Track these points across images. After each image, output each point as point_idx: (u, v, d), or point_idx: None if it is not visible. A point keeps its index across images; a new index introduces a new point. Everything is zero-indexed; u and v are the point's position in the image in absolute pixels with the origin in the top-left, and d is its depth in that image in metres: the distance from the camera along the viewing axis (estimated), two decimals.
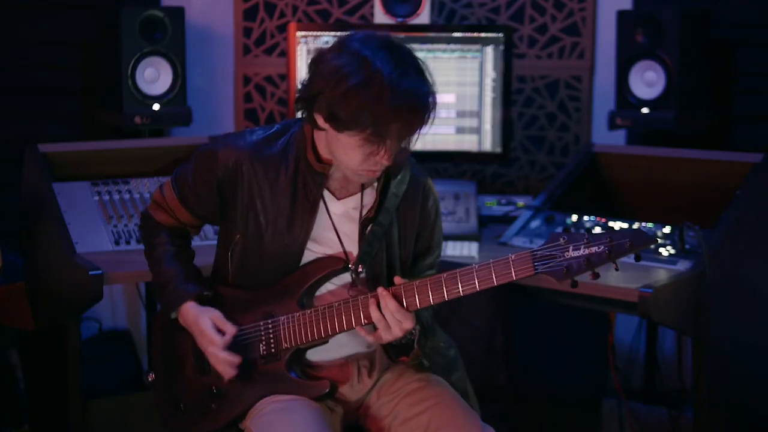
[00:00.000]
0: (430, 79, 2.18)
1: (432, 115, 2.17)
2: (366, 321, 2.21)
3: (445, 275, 2.16)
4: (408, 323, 2.18)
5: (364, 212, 2.30)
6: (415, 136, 2.18)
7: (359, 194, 2.31)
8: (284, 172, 2.27)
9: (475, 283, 2.14)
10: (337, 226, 2.29)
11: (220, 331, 2.30)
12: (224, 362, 2.28)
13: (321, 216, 2.29)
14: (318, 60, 2.18)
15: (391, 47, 2.15)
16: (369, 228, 2.29)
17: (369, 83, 2.08)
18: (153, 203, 2.45)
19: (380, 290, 2.18)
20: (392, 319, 2.17)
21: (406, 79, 2.11)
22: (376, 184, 2.31)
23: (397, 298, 2.18)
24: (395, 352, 2.30)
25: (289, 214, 2.27)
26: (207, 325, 2.30)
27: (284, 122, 2.36)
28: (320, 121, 2.18)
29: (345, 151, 2.17)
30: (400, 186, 2.32)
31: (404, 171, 2.33)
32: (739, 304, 2.89)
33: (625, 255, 2.05)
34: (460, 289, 2.15)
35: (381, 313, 2.17)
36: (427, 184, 2.38)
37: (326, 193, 2.29)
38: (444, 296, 2.16)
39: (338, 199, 2.31)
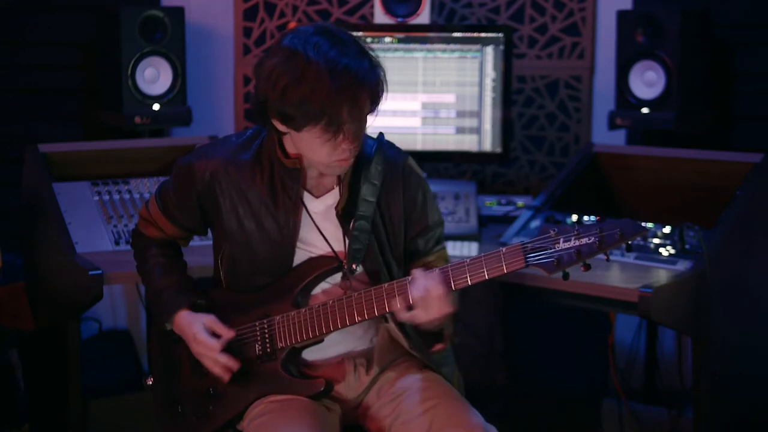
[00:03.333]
0: (373, 55, 2.15)
1: (383, 89, 2.15)
2: (375, 313, 2.21)
3: (436, 270, 2.16)
4: (446, 307, 2.14)
5: (340, 205, 2.28)
6: (373, 113, 2.17)
7: (336, 189, 2.30)
8: (260, 175, 2.27)
9: (467, 277, 2.13)
10: (320, 224, 2.29)
11: (216, 335, 2.30)
12: (222, 366, 2.28)
13: (304, 215, 2.29)
14: (257, 67, 2.18)
15: (324, 32, 2.13)
16: (352, 224, 2.28)
17: (304, 75, 2.08)
18: (141, 219, 2.47)
19: (415, 272, 2.16)
20: (434, 300, 2.13)
21: (344, 58, 2.09)
22: (346, 175, 2.28)
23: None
24: (426, 340, 2.28)
25: (274, 215, 2.27)
26: (200, 329, 2.30)
27: (257, 126, 2.35)
28: (279, 125, 2.18)
29: (310, 147, 2.17)
30: (375, 173, 2.29)
31: (376, 156, 2.30)
32: (739, 304, 2.89)
33: (616, 246, 2.04)
34: (453, 283, 2.14)
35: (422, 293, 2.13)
36: (407, 164, 2.34)
37: (305, 193, 2.29)
38: None
39: (316, 197, 2.30)
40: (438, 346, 2.29)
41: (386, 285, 2.20)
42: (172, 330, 2.38)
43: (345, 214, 2.27)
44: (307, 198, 2.29)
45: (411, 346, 2.34)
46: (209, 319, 2.31)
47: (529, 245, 2.09)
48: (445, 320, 2.22)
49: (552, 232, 2.07)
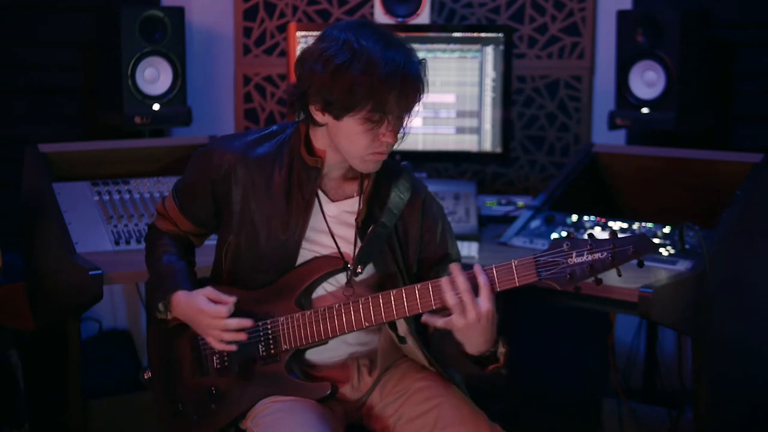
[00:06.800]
0: (414, 52, 2.20)
1: (426, 84, 2.18)
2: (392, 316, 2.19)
3: (445, 278, 2.15)
4: (486, 304, 2.07)
5: (360, 216, 2.29)
6: (415, 108, 2.18)
7: (355, 198, 2.31)
8: (279, 170, 2.27)
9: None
10: (331, 227, 2.29)
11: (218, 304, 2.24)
12: (234, 328, 2.22)
13: (315, 216, 2.29)
14: (301, 56, 2.21)
15: (370, 26, 2.18)
16: (371, 228, 2.28)
17: (356, 58, 2.11)
18: (157, 215, 2.47)
19: (453, 266, 2.11)
20: (469, 300, 2.07)
21: (391, 49, 2.13)
22: (365, 183, 2.30)
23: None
24: (481, 363, 2.22)
25: (284, 212, 2.27)
26: (203, 301, 2.24)
27: (281, 124, 2.36)
28: (318, 116, 2.19)
29: (349, 138, 2.18)
30: (403, 188, 2.32)
31: (405, 175, 2.34)
32: (739, 304, 2.89)
33: (628, 261, 2.05)
34: None
35: (456, 294, 2.08)
36: (428, 192, 2.38)
37: (321, 195, 2.29)
38: None
39: (333, 201, 2.30)
40: (493, 366, 2.22)
41: (395, 291, 2.19)
42: (164, 317, 2.34)
43: (365, 221, 2.28)
44: (323, 200, 2.29)
45: (430, 362, 2.32)
46: (208, 291, 2.26)
47: (541, 259, 2.08)
48: (493, 333, 2.14)
49: (565, 246, 2.07)
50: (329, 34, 2.18)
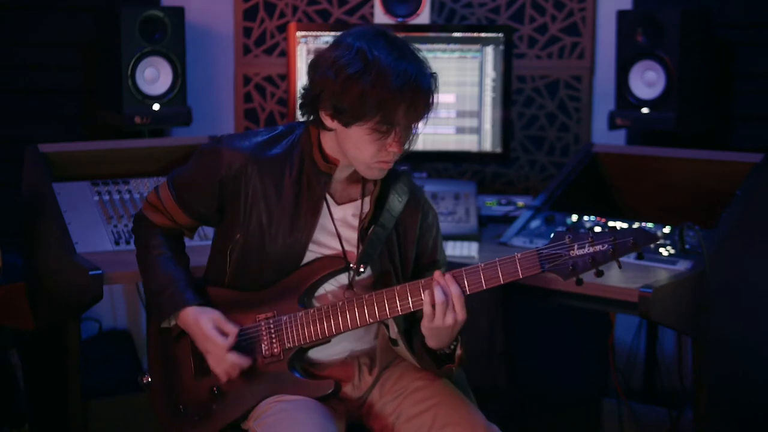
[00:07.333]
0: (427, 63, 2.21)
1: (436, 97, 2.20)
2: (372, 319, 2.22)
3: (451, 273, 2.17)
4: (462, 314, 2.16)
5: (367, 218, 2.30)
6: (423, 120, 2.20)
7: (359, 201, 2.31)
8: (289, 172, 2.27)
9: (481, 281, 2.16)
10: (338, 230, 2.30)
11: (223, 334, 2.28)
12: (230, 364, 2.26)
13: (322, 219, 2.29)
14: (315, 61, 2.21)
15: (385, 36, 2.19)
16: (371, 229, 2.29)
17: (367, 69, 2.11)
18: (147, 204, 2.42)
19: (445, 274, 2.17)
20: (457, 302, 2.15)
21: (403, 61, 2.14)
22: (374, 188, 2.31)
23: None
24: (438, 362, 2.28)
25: (292, 214, 2.27)
26: (209, 327, 2.27)
27: (289, 124, 2.36)
28: (327, 121, 2.19)
29: (356, 145, 2.18)
30: (402, 192, 2.33)
31: (404, 179, 2.35)
32: (740, 304, 2.89)
33: (628, 253, 2.10)
34: (467, 287, 2.16)
35: (444, 296, 2.15)
36: (425, 197, 2.40)
37: (328, 198, 2.30)
38: None
39: (338, 204, 2.31)
40: (448, 366, 2.29)
41: (398, 287, 2.21)
42: (170, 327, 2.35)
43: (370, 223, 2.30)
44: (330, 203, 2.30)
45: (421, 366, 2.33)
46: (216, 316, 2.29)
47: (544, 251, 2.12)
48: (456, 334, 2.22)
49: (567, 239, 2.11)
50: (344, 40, 2.18)
